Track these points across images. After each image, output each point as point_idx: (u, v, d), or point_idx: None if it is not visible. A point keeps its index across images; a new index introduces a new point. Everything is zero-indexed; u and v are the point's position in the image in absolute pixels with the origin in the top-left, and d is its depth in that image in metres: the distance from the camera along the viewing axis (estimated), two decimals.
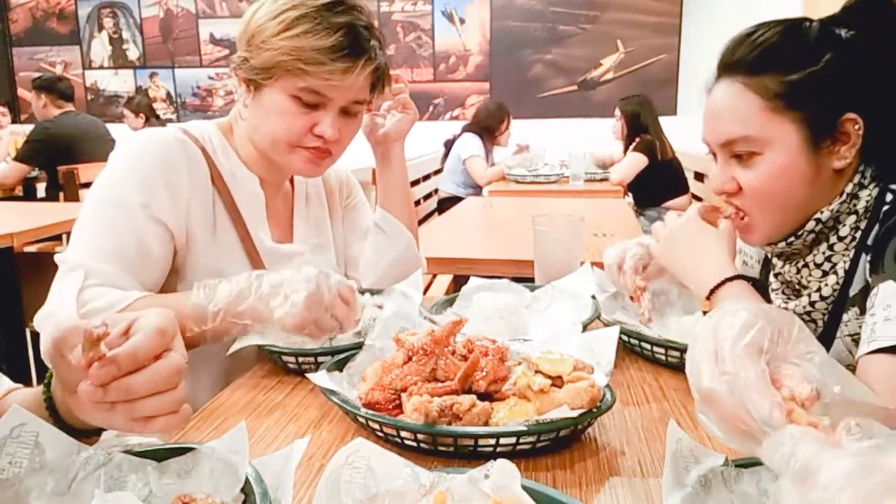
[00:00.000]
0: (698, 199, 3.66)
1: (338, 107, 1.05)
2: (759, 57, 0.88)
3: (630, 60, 5.70)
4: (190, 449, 0.61)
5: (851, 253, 0.89)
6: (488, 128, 4.44)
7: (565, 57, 5.78)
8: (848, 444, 0.39)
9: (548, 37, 5.77)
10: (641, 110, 3.96)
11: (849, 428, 0.41)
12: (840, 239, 0.90)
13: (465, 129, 4.49)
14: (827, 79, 0.85)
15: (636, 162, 3.78)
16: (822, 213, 0.89)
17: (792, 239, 0.93)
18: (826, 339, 0.91)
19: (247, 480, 0.56)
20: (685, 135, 4.50)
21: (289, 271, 0.94)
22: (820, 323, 0.93)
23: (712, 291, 0.90)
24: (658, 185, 3.85)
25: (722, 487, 0.54)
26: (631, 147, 3.88)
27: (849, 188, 0.88)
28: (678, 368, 0.93)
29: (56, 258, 1.00)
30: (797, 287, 0.97)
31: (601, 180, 3.93)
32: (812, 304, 0.92)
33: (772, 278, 1.03)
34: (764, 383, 0.47)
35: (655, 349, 0.95)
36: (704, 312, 1.03)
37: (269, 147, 1.08)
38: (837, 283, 0.90)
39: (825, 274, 0.92)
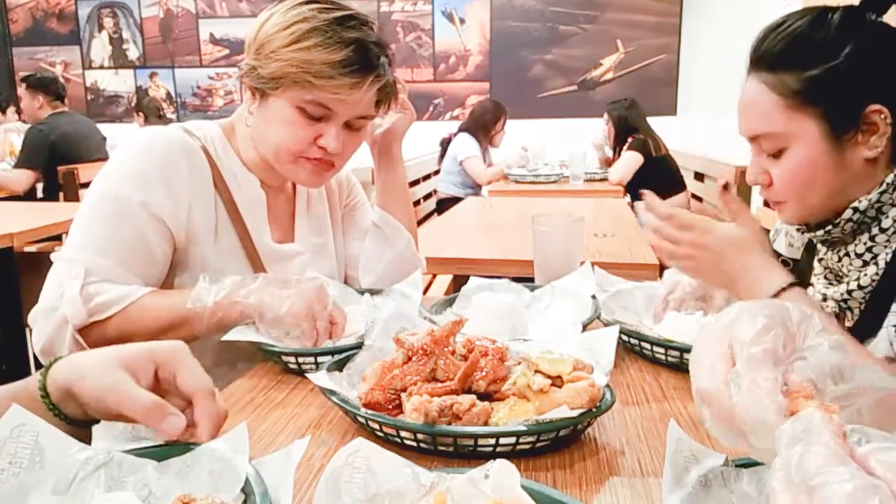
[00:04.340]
0: (698, 198, 3.65)
1: (342, 121, 1.05)
2: (780, 53, 0.88)
3: (630, 60, 5.70)
4: (190, 449, 0.61)
5: (894, 245, 0.88)
6: (483, 125, 4.44)
7: (565, 57, 5.78)
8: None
9: (548, 37, 5.77)
10: (628, 112, 4.05)
11: (848, 433, 0.40)
12: (882, 230, 0.89)
13: (461, 128, 4.49)
14: (847, 71, 0.84)
15: (633, 160, 3.82)
16: (859, 202, 0.89)
17: (830, 227, 0.92)
18: (862, 328, 0.90)
19: (247, 480, 0.56)
20: (685, 134, 4.50)
21: (293, 279, 0.99)
22: (856, 312, 0.92)
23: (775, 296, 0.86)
24: (654, 182, 3.86)
25: (722, 487, 0.54)
26: (625, 147, 3.91)
27: (889, 178, 0.87)
28: (678, 368, 0.93)
29: (52, 256, 1.00)
30: (838, 274, 0.97)
31: (601, 180, 3.94)
32: (850, 292, 0.92)
33: (815, 263, 1.03)
34: (774, 390, 0.45)
35: (655, 349, 0.95)
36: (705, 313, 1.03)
37: (272, 156, 1.08)
38: (877, 273, 0.89)
39: (865, 264, 0.91)
